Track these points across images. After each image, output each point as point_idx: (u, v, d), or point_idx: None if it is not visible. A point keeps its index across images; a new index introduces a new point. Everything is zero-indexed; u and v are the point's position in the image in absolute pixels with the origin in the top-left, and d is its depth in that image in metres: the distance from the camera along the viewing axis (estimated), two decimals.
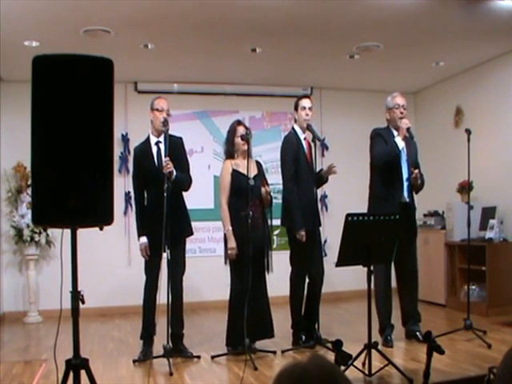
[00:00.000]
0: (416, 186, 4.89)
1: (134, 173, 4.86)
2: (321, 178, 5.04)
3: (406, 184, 4.86)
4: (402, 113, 4.89)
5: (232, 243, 4.60)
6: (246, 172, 4.60)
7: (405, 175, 4.86)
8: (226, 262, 4.72)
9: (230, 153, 4.81)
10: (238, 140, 4.72)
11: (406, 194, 4.87)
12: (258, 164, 4.85)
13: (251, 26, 5.27)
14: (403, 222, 4.66)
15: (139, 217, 4.72)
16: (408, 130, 4.80)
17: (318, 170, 5.03)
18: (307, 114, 4.93)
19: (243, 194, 4.59)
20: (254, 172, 4.72)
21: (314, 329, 4.81)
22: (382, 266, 4.68)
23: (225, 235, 4.73)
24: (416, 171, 4.80)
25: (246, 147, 4.70)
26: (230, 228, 4.62)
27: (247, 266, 4.51)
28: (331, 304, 6.77)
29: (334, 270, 4.13)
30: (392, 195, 4.81)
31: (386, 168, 4.80)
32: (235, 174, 4.70)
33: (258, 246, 4.55)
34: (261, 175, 4.79)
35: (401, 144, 4.82)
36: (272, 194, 4.79)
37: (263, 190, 4.67)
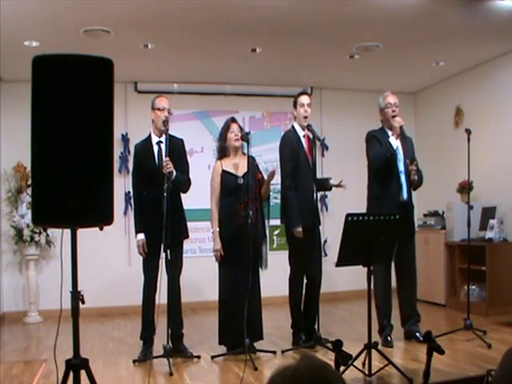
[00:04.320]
0: (413, 181, 4.88)
1: (133, 170, 4.87)
2: (325, 185, 5.05)
3: (403, 183, 4.86)
4: (394, 111, 4.86)
5: (217, 245, 4.66)
6: (234, 170, 4.67)
7: (402, 174, 4.86)
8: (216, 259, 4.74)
9: (222, 149, 4.81)
10: (231, 136, 4.73)
11: (404, 193, 4.87)
12: (250, 159, 4.63)
13: (251, 26, 5.27)
14: (401, 221, 4.69)
15: (137, 214, 4.73)
16: (401, 128, 4.80)
17: (326, 176, 5.03)
18: (306, 111, 4.93)
19: (232, 193, 4.64)
20: (244, 170, 4.68)
21: (313, 329, 4.81)
22: (381, 265, 4.67)
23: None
24: (412, 165, 4.78)
25: (237, 144, 4.73)
26: (217, 229, 4.67)
27: (234, 265, 4.57)
28: (331, 304, 6.77)
29: (334, 269, 4.13)
30: (390, 195, 4.81)
31: (382, 169, 4.80)
32: (224, 174, 4.72)
33: (248, 245, 4.46)
34: (252, 172, 4.67)
35: (395, 143, 4.82)
36: (271, 193, 4.80)
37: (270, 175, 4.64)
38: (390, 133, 4.86)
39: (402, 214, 4.60)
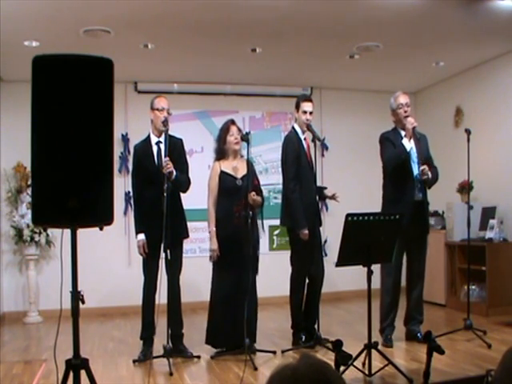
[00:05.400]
0: (426, 181, 4.86)
1: (133, 171, 4.88)
2: (320, 193, 5.04)
3: (417, 183, 4.83)
4: (406, 111, 4.84)
5: (214, 245, 4.65)
6: (233, 173, 4.68)
7: (417, 175, 4.83)
8: (210, 259, 4.74)
9: (220, 151, 4.79)
10: (231, 139, 4.71)
11: (419, 192, 4.85)
12: (249, 163, 4.69)
13: (251, 26, 5.27)
14: (416, 219, 4.73)
15: (137, 214, 4.73)
16: (413, 129, 4.77)
17: (323, 185, 5.02)
18: (308, 119, 4.91)
19: (230, 195, 4.64)
20: (243, 172, 4.70)
21: (313, 329, 4.81)
22: (393, 265, 4.62)
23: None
24: (423, 167, 4.77)
25: (237, 147, 4.72)
26: (214, 229, 4.66)
27: (230, 266, 4.57)
28: (331, 304, 6.77)
29: (335, 269, 4.13)
30: (403, 196, 4.77)
31: (396, 171, 4.79)
32: (223, 175, 4.70)
33: (242, 247, 4.47)
34: (250, 175, 4.66)
35: (408, 145, 4.78)
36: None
37: (249, 197, 4.53)
38: (403, 134, 4.82)
39: (416, 213, 4.62)
